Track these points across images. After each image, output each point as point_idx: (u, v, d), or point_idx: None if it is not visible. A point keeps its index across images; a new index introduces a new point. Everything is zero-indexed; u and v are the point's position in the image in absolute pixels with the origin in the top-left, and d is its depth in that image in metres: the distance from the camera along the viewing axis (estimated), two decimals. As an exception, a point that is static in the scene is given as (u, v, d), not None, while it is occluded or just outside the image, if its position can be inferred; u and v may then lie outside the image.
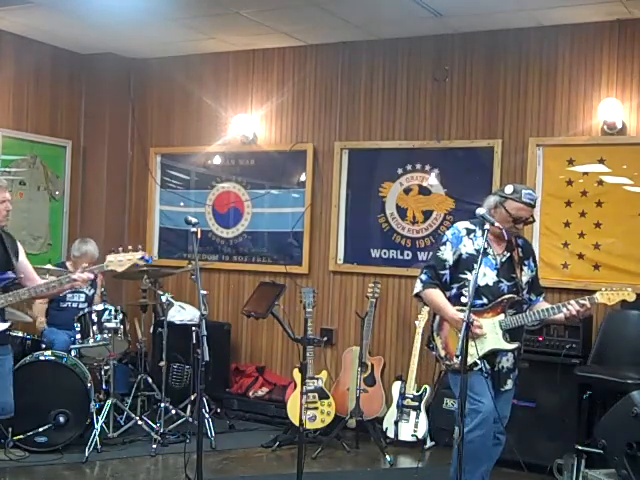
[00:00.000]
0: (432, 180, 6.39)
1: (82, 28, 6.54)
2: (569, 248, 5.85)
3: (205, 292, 4.66)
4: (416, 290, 4.29)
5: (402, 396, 6.00)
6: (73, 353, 5.72)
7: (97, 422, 5.46)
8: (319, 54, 6.81)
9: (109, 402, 5.67)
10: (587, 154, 5.82)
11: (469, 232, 4.22)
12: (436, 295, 4.20)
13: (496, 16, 5.83)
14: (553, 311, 4.10)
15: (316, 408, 5.91)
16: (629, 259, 5.69)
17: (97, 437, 5.42)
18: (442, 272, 4.21)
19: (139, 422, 5.80)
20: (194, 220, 4.32)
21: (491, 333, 4.10)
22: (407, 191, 6.49)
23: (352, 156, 6.70)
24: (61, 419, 5.40)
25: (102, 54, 7.30)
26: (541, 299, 4.34)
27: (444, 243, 4.24)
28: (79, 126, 7.46)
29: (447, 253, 4.21)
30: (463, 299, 4.15)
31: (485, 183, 6.09)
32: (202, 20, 6.26)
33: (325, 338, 6.47)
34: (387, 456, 5.62)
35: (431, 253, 4.61)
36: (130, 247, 4.28)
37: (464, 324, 3.80)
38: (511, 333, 4.13)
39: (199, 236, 4.31)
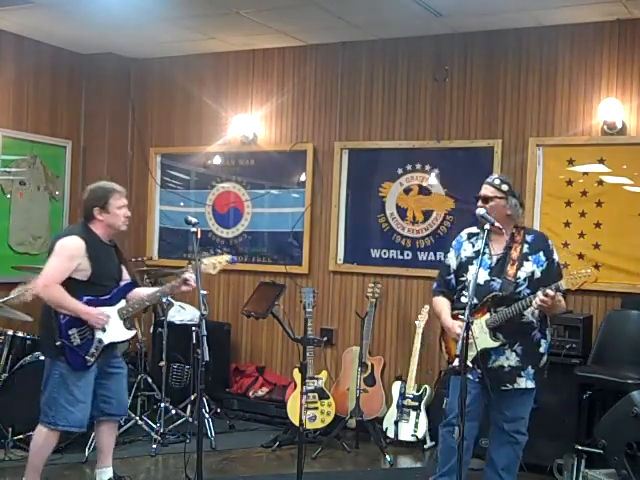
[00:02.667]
0: (432, 180, 6.39)
1: (82, 28, 6.54)
2: (569, 248, 5.84)
3: (205, 292, 4.65)
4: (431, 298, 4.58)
5: (402, 396, 6.00)
6: (73, 353, 5.71)
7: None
8: (319, 54, 6.81)
9: (109, 402, 5.67)
10: (587, 154, 5.82)
11: (470, 236, 4.38)
12: (437, 302, 4.44)
13: (496, 16, 5.83)
14: (526, 302, 4.08)
15: (316, 408, 5.91)
16: (629, 259, 5.69)
17: (97, 437, 5.41)
18: (448, 277, 4.41)
19: (139, 422, 5.80)
20: (194, 220, 4.33)
21: (480, 333, 4.15)
22: (407, 191, 6.49)
23: (352, 156, 6.70)
24: (61, 419, 5.39)
25: (102, 54, 7.30)
26: None
27: (449, 250, 4.46)
28: (79, 126, 7.46)
29: (451, 259, 4.40)
30: (463, 299, 4.21)
31: (485, 183, 6.08)
32: (202, 20, 6.26)
33: (325, 338, 6.47)
34: (387, 456, 5.63)
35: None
36: (219, 251, 4.47)
37: (464, 324, 3.83)
38: (503, 330, 4.14)
39: (199, 236, 4.33)
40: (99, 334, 4.36)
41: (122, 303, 4.48)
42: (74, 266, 4.29)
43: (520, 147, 6.06)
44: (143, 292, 4.62)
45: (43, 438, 4.40)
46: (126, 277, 4.61)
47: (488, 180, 4.36)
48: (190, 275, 4.48)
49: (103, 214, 4.40)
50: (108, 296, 4.42)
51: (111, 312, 4.41)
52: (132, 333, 4.57)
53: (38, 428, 4.45)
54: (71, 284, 4.30)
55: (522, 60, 6.08)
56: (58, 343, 4.26)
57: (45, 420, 4.40)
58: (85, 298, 4.33)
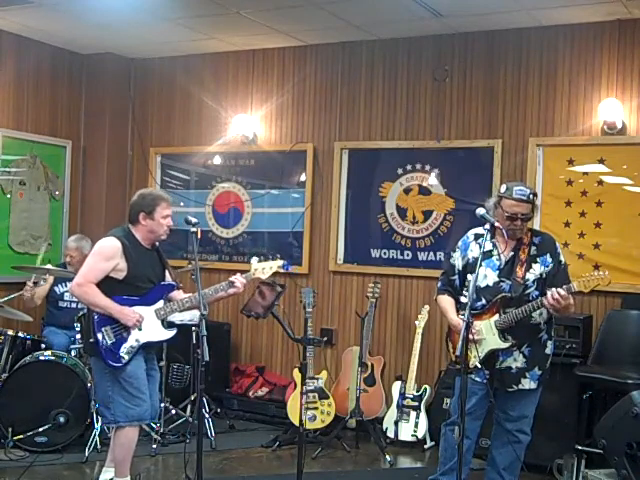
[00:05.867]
0: (432, 180, 6.39)
1: (82, 28, 6.54)
2: (569, 248, 5.84)
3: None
4: (435, 296, 4.56)
5: (402, 396, 6.00)
6: (73, 353, 5.72)
7: (97, 422, 5.45)
8: (319, 54, 6.81)
9: (109, 402, 5.67)
10: (587, 154, 5.82)
11: (477, 237, 4.34)
12: (443, 301, 4.43)
13: (496, 16, 5.83)
14: (536, 304, 4.10)
15: (316, 408, 5.91)
16: (629, 259, 5.69)
17: (97, 437, 5.41)
18: (452, 277, 4.40)
19: (139, 422, 5.80)
20: (194, 220, 4.34)
21: (489, 334, 4.17)
22: (407, 191, 6.49)
23: (352, 156, 6.69)
24: (61, 419, 5.39)
25: (102, 54, 7.30)
26: None
27: (455, 250, 4.44)
28: (79, 126, 7.46)
29: (456, 259, 4.39)
30: (463, 299, 4.23)
31: (485, 183, 6.09)
32: (202, 20, 6.26)
33: (325, 338, 6.48)
34: (387, 456, 5.62)
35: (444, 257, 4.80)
36: (270, 256, 4.47)
37: (464, 324, 3.83)
38: (512, 332, 4.16)
39: (199, 236, 4.35)
40: (135, 333, 4.37)
41: (160, 304, 4.48)
42: (111, 267, 4.33)
43: (520, 147, 6.06)
44: (185, 294, 4.61)
45: (123, 436, 4.41)
46: (169, 280, 4.63)
47: (522, 197, 4.14)
48: (236, 278, 4.47)
49: (147, 220, 4.44)
50: (144, 297, 4.43)
51: (147, 312, 4.41)
52: (171, 333, 4.53)
53: (113, 432, 4.50)
54: (107, 283, 4.35)
55: (522, 60, 6.08)
56: (92, 340, 4.33)
57: (106, 422, 4.53)
58: (118, 298, 4.35)
